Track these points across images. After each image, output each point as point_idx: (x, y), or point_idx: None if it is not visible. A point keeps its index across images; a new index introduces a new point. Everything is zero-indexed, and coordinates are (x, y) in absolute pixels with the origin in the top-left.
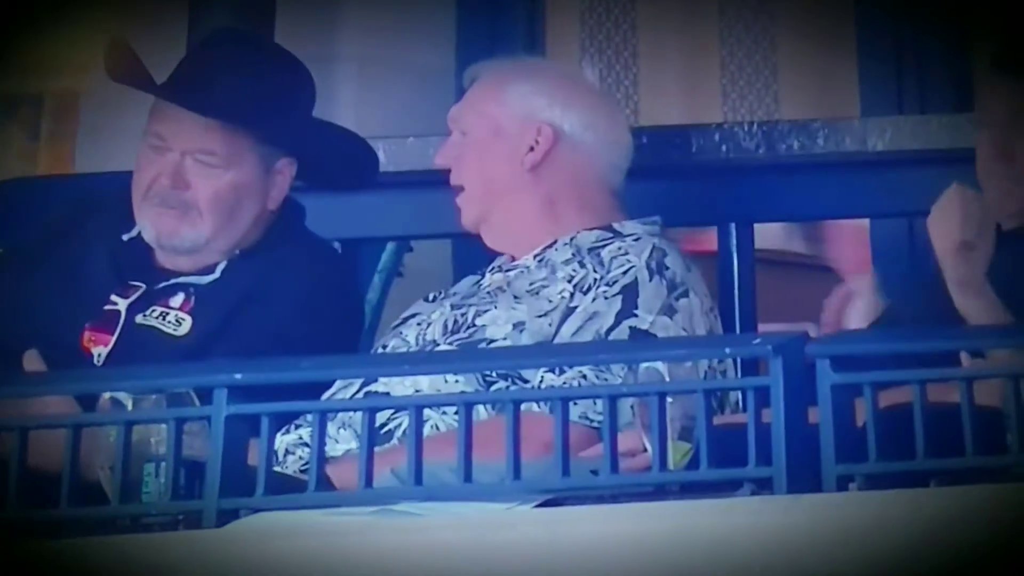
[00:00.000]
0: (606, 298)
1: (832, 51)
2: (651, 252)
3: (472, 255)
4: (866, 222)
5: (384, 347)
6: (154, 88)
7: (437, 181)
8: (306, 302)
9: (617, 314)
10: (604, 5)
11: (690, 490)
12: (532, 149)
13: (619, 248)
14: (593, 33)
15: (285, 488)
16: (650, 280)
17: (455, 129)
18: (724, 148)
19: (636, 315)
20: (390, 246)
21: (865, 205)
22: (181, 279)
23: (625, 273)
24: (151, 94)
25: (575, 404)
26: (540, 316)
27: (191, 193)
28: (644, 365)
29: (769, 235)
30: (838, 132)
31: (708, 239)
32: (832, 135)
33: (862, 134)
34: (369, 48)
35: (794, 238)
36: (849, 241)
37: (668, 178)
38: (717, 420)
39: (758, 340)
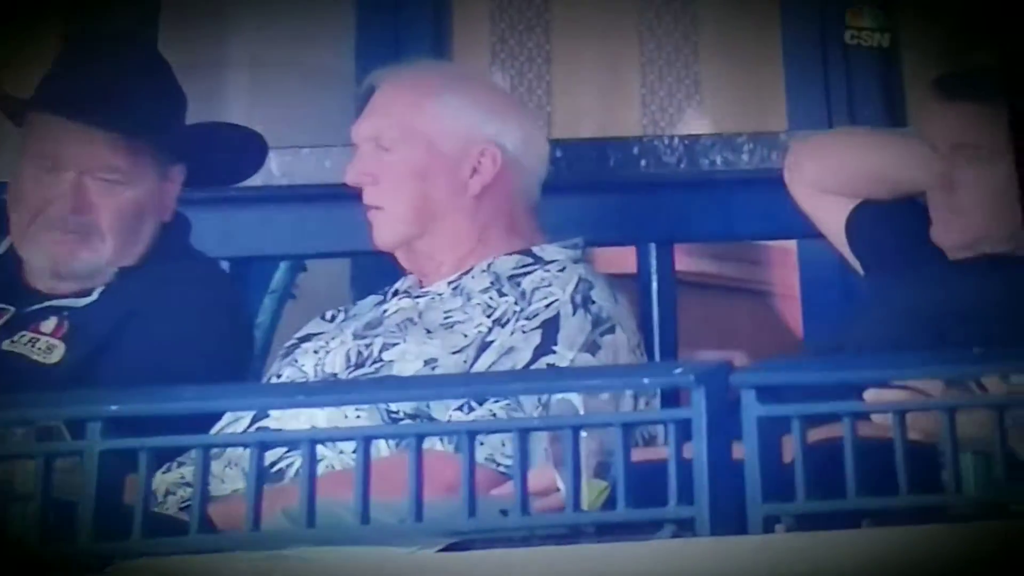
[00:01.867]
0: (524, 332)
1: (758, 61)
2: (576, 284)
3: (371, 275)
4: (794, 243)
5: (278, 375)
6: (46, 102)
7: (335, 195)
8: (189, 326)
9: (535, 349)
10: (516, 7)
11: (607, 531)
12: (476, 171)
13: (542, 279)
14: (504, 37)
15: (165, 530)
16: (574, 314)
17: (368, 143)
18: (643, 163)
19: (555, 351)
20: (283, 265)
21: (793, 225)
22: (54, 302)
23: (548, 306)
24: (40, 110)
25: (482, 444)
26: (455, 352)
27: (92, 215)
28: (557, 397)
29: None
30: (764, 146)
31: (626, 259)
32: (758, 150)
33: (789, 149)
34: (261, 52)
35: (718, 259)
36: (776, 263)
37: (584, 194)
38: (637, 455)
39: (679, 369)
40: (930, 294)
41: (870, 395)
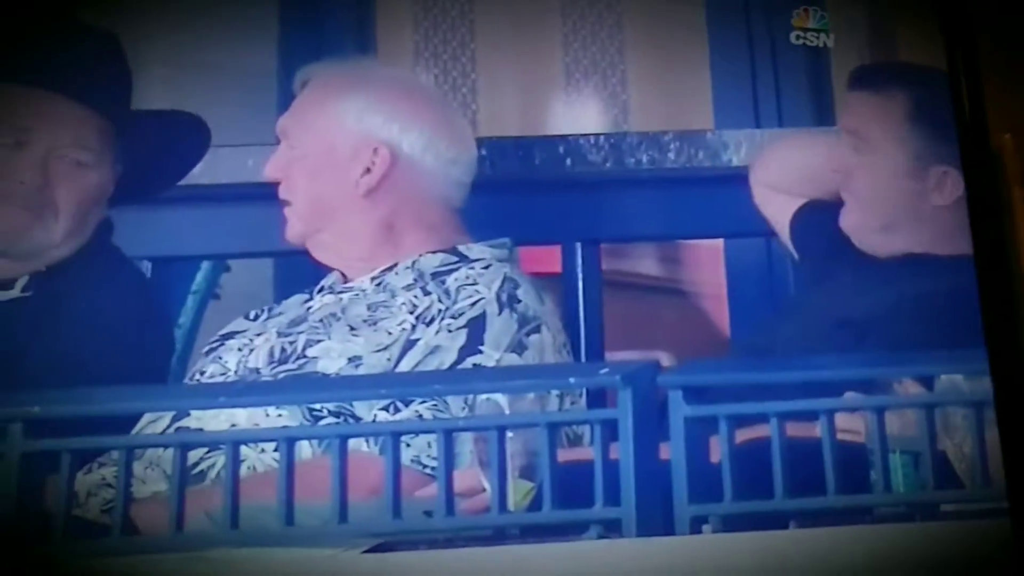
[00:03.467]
0: (450, 331)
1: (684, 59)
2: (502, 283)
3: (296, 275)
4: (721, 242)
5: (202, 373)
6: (15, 74)
7: (256, 195)
8: (110, 327)
9: (461, 349)
10: (440, 6)
11: (532, 533)
12: (368, 171)
13: (467, 276)
14: (428, 36)
15: (86, 533)
16: (499, 314)
17: (284, 141)
18: (569, 161)
19: (481, 351)
20: (205, 265)
21: (720, 224)
22: None
23: (473, 305)
24: (10, 83)
25: (408, 446)
26: (378, 350)
27: (52, 193)
28: (483, 398)
29: (618, 256)
30: (691, 145)
31: (552, 259)
32: (684, 148)
33: (716, 148)
34: (180, 49)
35: (644, 259)
36: (703, 263)
37: (508, 193)
38: (563, 455)
39: (606, 369)
40: (854, 294)
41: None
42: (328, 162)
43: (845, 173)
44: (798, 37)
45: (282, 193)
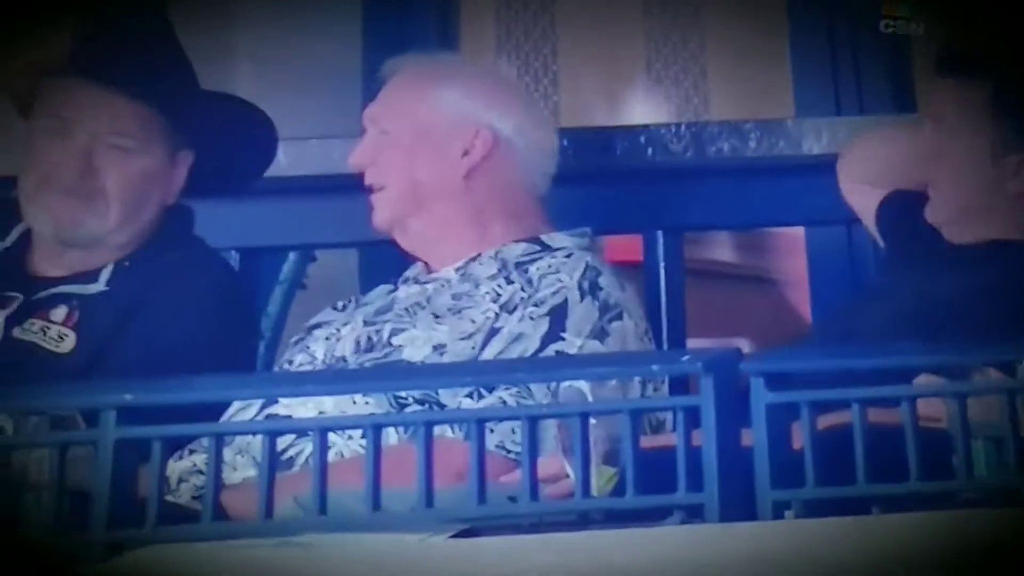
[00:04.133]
0: (532, 319)
1: (764, 48)
2: (584, 271)
3: (381, 265)
4: (802, 230)
5: (290, 362)
6: (65, 66)
7: (342, 186)
8: (198, 316)
9: (543, 337)
10: None
11: (616, 518)
12: (467, 153)
13: (549, 265)
14: (510, 28)
15: (178, 518)
16: (581, 301)
17: (373, 128)
18: (650, 151)
19: (563, 338)
20: (292, 256)
21: (800, 212)
22: (63, 288)
23: (555, 293)
24: (57, 72)
25: (492, 432)
26: (463, 339)
27: (98, 180)
28: (566, 385)
29: (700, 244)
30: (771, 134)
31: (634, 248)
32: (765, 137)
33: (797, 136)
34: (268, 43)
35: (726, 247)
36: (784, 251)
37: (591, 183)
38: (645, 442)
39: (687, 357)
40: (937, 280)
41: (921, 380)
42: (426, 145)
43: (927, 160)
44: (887, 25)
45: (369, 178)
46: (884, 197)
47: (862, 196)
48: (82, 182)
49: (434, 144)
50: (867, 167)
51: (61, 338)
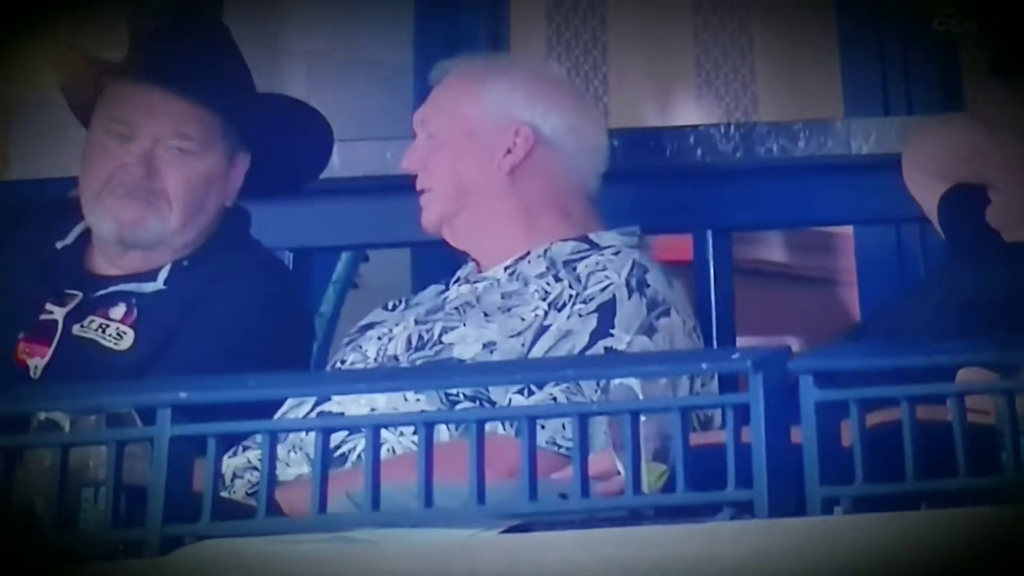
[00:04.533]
0: (581, 316)
1: (813, 48)
2: (631, 268)
3: (432, 265)
4: (850, 229)
5: (343, 362)
6: (126, 71)
7: (394, 187)
8: (253, 316)
9: (592, 333)
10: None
11: (666, 514)
12: (510, 151)
13: (597, 263)
14: (560, 30)
15: (232, 514)
16: (629, 298)
17: (422, 131)
18: (699, 151)
19: (612, 335)
20: (345, 256)
21: (849, 211)
22: (121, 286)
23: (603, 290)
24: (120, 75)
25: (543, 428)
26: (512, 336)
27: (160, 182)
28: (616, 382)
29: (749, 243)
30: (820, 134)
31: (683, 247)
32: (814, 137)
33: (845, 136)
34: (320, 44)
35: (775, 247)
36: (833, 250)
37: (640, 183)
38: (695, 439)
39: (737, 355)
40: (987, 278)
41: (963, 375)
42: (471, 144)
43: (986, 162)
44: (940, 23)
45: (420, 182)
46: (946, 191)
47: (925, 188)
48: (145, 185)
49: (478, 143)
50: (932, 159)
51: (120, 336)
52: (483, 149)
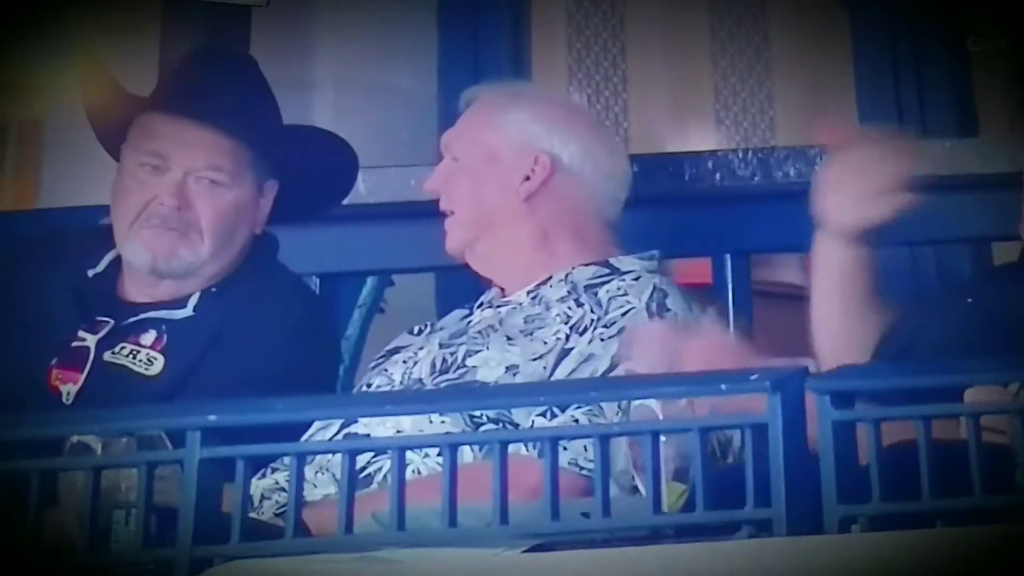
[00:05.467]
0: (603, 340)
1: (829, 74)
2: (652, 293)
3: (456, 289)
4: None
5: (368, 385)
6: (157, 103)
7: (419, 212)
8: (281, 340)
9: (614, 356)
10: (592, 28)
11: (686, 533)
12: (528, 178)
13: (618, 288)
14: (581, 57)
15: (261, 535)
16: (650, 322)
17: (447, 155)
18: (718, 176)
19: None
20: (370, 281)
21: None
22: (152, 313)
23: (624, 315)
24: (152, 108)
25: (565, 449)
26: (535, 359)
27: (193, 213)
28: (636, 403)
29: (766, 266)
30: None
31: (703, 270)
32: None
33: None
34: (346, 73)
35: (793, 269)
36: None
37: (660, 207)
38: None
39: (755, 376)
40: (1002, 297)
41: (971, 395)
42: (491, 170)
43: None
44: (974, 43)
45: (444, 204)
46: None
47: None
48: (178, 216)
49: (499, 169)
50: None
51: (150, 361)
52: (502, 175)
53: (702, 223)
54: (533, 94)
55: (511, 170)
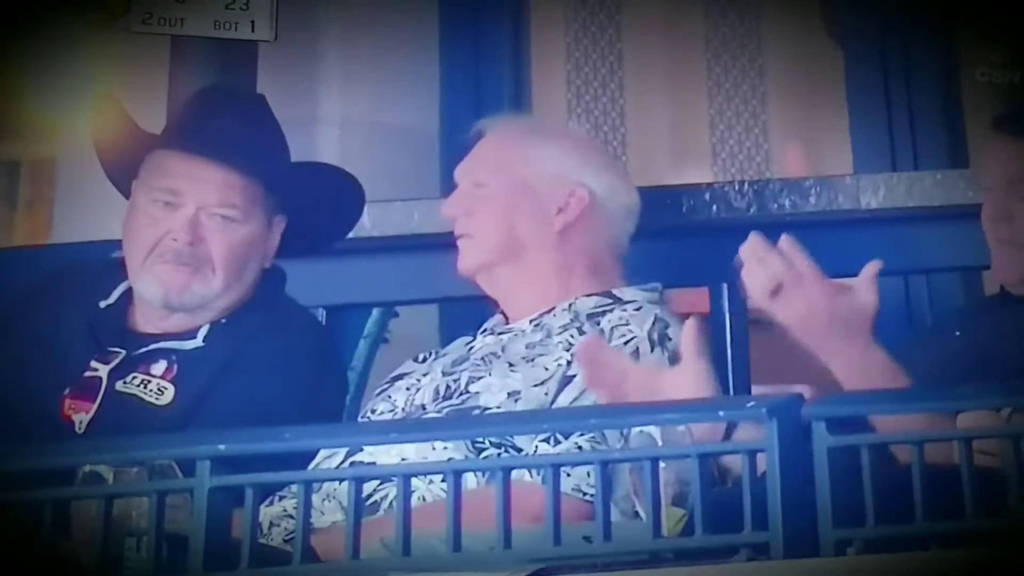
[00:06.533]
0: None
1: (822, 107)
2: (653, 322)
3: (460, 320)
4: None
5: (372, 411)
6: (169, 141)
7: (422, 245)
8: (288, 371)
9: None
10: (590, 64)
11: (685, 556)
12: (561, 210)
13: (620, 317)
14: (580, 92)
15: (270, 560)
16: (651, 351)
17: (466, 181)
18: (715, 208)
19: None
20: (375, 312)
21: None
22: (163, 344)
23: (626, 344)
24: (163, 148)
25: (568, 475)
26: (536, 385)
27: (205, 249)
28: (636, 430)
29: None
30: (830, 190)
31: (700, 300)
32: (824, 193)
33: (855, 191)
34: (351, 110)
35: None
36: None
37: (659, 239)
38: None
39: (752, 403)
40: (992, 327)
41: (963, 420)
42: (525, 200)
43: (1002, 219)
44: (983, 74)
45: (460, 228)
46: None
47: None
48: (191, 252)
49: (533, 199)
50: None
51: (161, 391)
52: (538, 205)
53: (699, 253)
54: (555, 127)
55: (546, 200)
